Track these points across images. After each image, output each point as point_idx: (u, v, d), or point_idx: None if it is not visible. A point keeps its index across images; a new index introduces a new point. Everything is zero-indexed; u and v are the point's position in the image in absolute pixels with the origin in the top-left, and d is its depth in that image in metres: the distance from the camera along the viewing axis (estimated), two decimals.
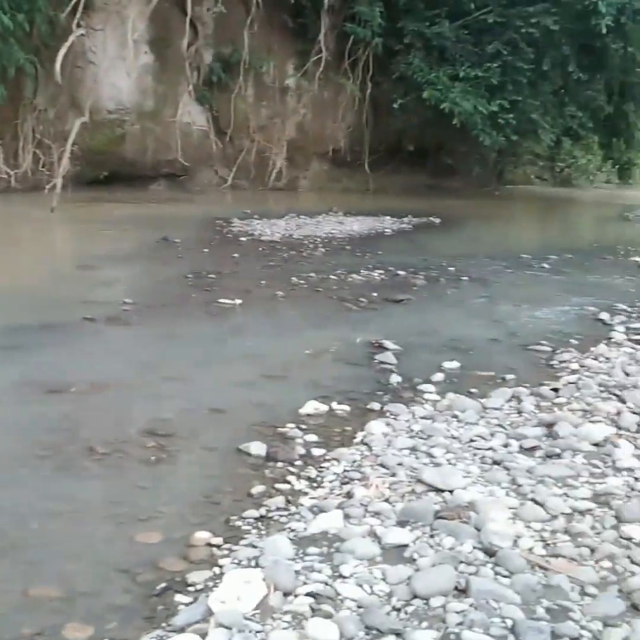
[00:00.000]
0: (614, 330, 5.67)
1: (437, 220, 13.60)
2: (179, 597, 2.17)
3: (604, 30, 16.81)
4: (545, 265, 9.04)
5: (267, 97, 18.12)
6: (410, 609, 2.07)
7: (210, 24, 16.98)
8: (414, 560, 2.31)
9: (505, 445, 3.33)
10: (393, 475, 2.98)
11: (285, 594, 2.11)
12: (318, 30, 17.35)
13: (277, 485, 2.94)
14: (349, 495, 2.81)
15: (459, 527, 2.49)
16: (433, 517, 2.57)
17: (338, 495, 2.84)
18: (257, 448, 3.26)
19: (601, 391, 4.08)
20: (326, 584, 2.18)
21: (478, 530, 2.46)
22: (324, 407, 3.84)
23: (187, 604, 2.13)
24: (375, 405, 3.90)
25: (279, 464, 3.15)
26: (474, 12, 17.70)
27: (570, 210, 20.49)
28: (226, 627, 1.94)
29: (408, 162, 20.29)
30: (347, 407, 3.87)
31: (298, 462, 3.17)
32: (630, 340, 5.38)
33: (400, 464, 3.08)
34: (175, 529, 2.58)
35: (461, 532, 2.46)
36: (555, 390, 4.11)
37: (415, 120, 18.55)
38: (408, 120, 18.55)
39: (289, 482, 2.97)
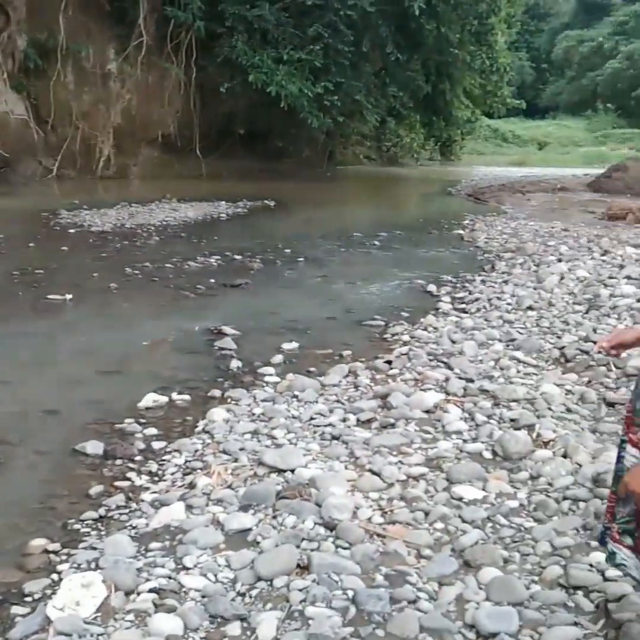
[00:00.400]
0: (441, 301, 5.95)
1: (272, 203, 13.68)
2: (15, 609, 2.08)
3: (417, 12, 17.48)
4: (376, 243, 9.34)
5: (89, 83, 17.43)
6: (254, 592, 2.09)
7: (22, 9, 16.07)
8: (258, 543, 2.34)
9: (344, 420, 3.42)
10: (235, 460, 2.98)
11: (127, 593, 2.07)
12: (137, 13, 16.86)
13: (117, 483, 2.87)
14: (191, 485, 2.79)
15: (300, 505, 2.54)
16: (275, 498, 2.60)
17: (180, 487, 2.81)
18: (94, 447, 3.15)
19: (430, 360, 4.28)
20: (170, 577, 2.16)
21: (319, 506, 2.51)
22: (163, 399, 3.77)
23: (24, 615, 2.04)
24: (216, 392, 3.89)
25: (118, 461, 3.07)
26: None
27: (398, 188, 21.19)
28: (66, 634, 1.89)
29: (240, 146, 20.25)
30: (187, 397, 3.83)
31: (138, 458, 3.11)
32: (455, 309, 5.68)
33: (242, 449, 3.09)
34: (8, 539, 2.46)
35: (303, 509, 2.50)
36: (389, 362, 4.26)
37: (244, 104, 18.51)
38: (236, 104, 18.48)
39: (129, 479, 2.91)
